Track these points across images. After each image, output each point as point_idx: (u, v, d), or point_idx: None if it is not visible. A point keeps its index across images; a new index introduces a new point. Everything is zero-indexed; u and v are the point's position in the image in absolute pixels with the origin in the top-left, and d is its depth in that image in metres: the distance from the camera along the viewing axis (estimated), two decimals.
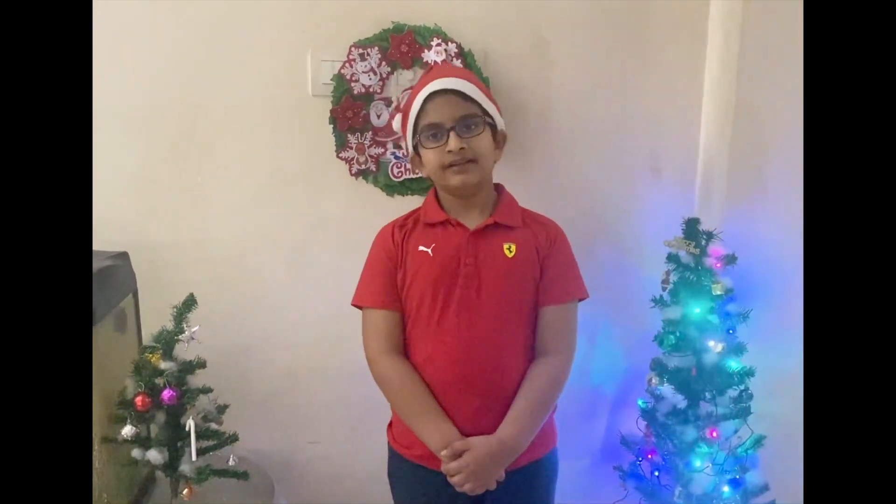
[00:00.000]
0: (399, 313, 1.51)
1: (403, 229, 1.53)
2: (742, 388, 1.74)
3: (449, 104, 1.44)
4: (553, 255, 1.52)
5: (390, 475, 1.61)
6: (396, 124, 1.63)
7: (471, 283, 1.45)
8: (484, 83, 1.67)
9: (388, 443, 1.59)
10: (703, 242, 1.73)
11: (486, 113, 1.48)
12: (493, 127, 1.50)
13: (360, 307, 1.55)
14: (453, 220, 1.50)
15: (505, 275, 1.47)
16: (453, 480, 1.39)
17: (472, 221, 1.50)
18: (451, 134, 1.43)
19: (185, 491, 1.47)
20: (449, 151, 1.42)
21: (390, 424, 1.61)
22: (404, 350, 1.52)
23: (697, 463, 1.71)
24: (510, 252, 1.48)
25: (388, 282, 1.51)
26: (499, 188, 1.59)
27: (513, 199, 1.58)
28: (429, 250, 1.48)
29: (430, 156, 1.46)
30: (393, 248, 1.51)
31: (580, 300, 1.55)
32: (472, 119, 1.45)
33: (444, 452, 1.39)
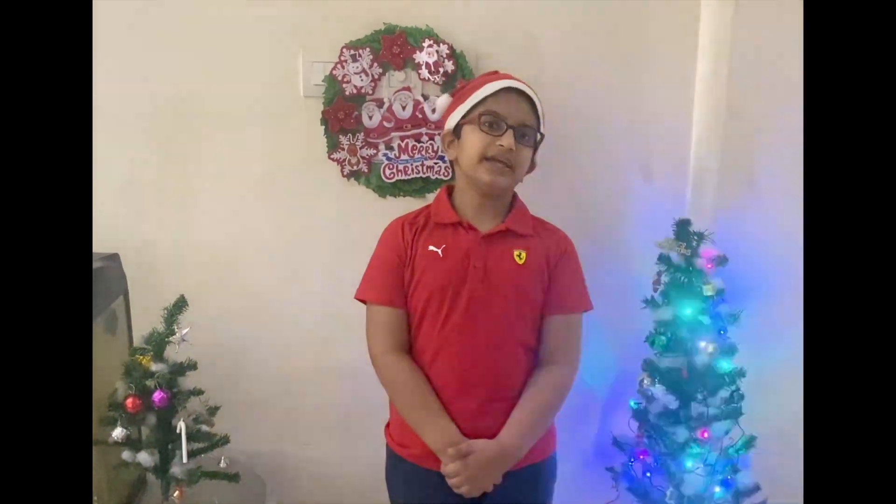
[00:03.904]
0: (404, 311, 1.50)
1: (414, 227, 1.52)
2: (733, 388, 1.74)
3: (520, 106, 1.45)
4: (562, 265, 1.52)
5: (388, 476, 1.60)
6: (444, 100, 1.56)
7: (479, 287, 1.45)
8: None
9: (387, 443, 1.59)
10: (695, 243, 1.73)
11: (539, 133, 1.50)
12: (534, 150, 1.51)
13: (364, 302, 1.54)
14: (465, 223, 1.49)
15: (514, 280, 1.47)
16: (451, 482, 1.40)
17: (485, 225, 1.49)
18: (510, 132, 1.43)
19: (176, 493, 1.46)
20: (500, 145, 1.42)
21: (388, 425, 1.60)
22: (409, 348, 1.51)
23: (689, 464, 1.71)
24: (520, 259, 1.48)
25: (395, 278, 1.50)
26: (512, 195, 1.58)
27: (525, 207, 1.57)
28: (438, 251, 1.47)
29: (477, 140, 1.44)
30: (402, 245, 1.50)
31: (585, 311, 1.56)
32: (530, 130, 1.46)
33: (450, 451, 1.39)
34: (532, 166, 1.54)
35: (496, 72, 1.59)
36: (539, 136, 1.50)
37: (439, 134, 1.65)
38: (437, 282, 1.46)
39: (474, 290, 1.45)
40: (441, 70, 1.76)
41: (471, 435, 1.43)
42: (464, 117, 1.48)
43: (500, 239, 1.48)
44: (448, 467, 1.40)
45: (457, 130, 1.50)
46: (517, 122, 1.44)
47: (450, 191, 1.56)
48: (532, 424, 1.45)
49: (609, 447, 1.92)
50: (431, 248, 1.48)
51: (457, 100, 1.52)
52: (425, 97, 1.79)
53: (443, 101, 1.58)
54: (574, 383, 1.54)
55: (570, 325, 1.53)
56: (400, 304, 1.49)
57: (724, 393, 1.73)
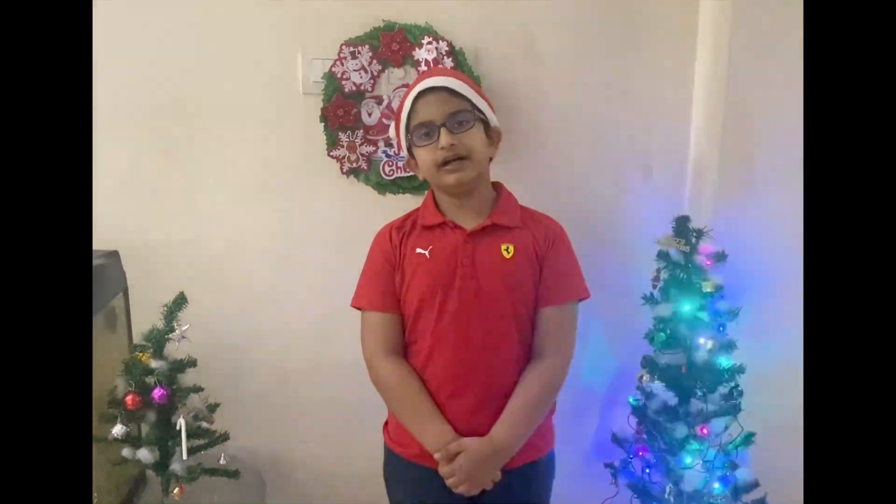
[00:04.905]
0: (398, 315, 1.51)
1: (401, 231, 1.53)
2: (732, 385, 1.74)
3: (438, 101, 1.44)
4: (552, 254, 1.51)
5: (386, 475, 1.61)
6: (392, 131, 1.62)
7: (468, 285, 1.45)
8: (475, 81, 1.67)
9: (385, 443, 1.59)
10: (694, 240, 1.74)
11: (476, 108, 1.48)
12: (485, 123, 1.50)
13: (359, 309, 1.55)
14: (450, 222, 1.49)
15: (502, 276, 1.46)
16: (449, 482, 1.41)
17: (470, 223, 1.49)
18: (442, 130, 1.42)
19: (176, 490, 1.47)
20: (441, 148, 1.42)
21: (386, 424, 1.61)
22: (403, 351, 1.52)
23: (688, 460, 1.72)
24: (508, 253, 1.47)
25: (387, 284, 1.51)
26: (498, 187, 1.58)
27: (512, 198, 1.57)
28: (426, 252, 1.48)
29: (424, 155, 1.46)
30: (391, 250, 1.51)
31: (581, 300, 1.55)
32: (462, 115, 1.45)
33: (437, 455, 1.40)
34: (496, 135, 1.54)
35: (421, 73, 1.62)
36: (479, 111, 1.48)
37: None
38: (426, 283, 1.46)
39: (464, 289, 1.45)
40: (440, 67, 1.76)
41: (468, 433, 1.43)
42: (407, 140, 1.50)
43: (486, 235, 1.48)
44: (443, 469, 1.41)
45: (411, 152, 1.52)
46: (445, 117, 1.43)
47: (434, 193, 1.56)
48: (524, 420, 1.45)
49: (608, 443, 1.93)
50: (419, 250, 1.49)
51: (396, 125, 1.54)
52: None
53: (391, 131, 1.64)
54: (573, 380, 1.54)
55: (561, 317, 1.51)
56: (393, 309, 1.50)
57: (723, 389, 1.74)
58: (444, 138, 1.42)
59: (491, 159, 1.54)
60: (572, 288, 1.53)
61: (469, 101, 1.47)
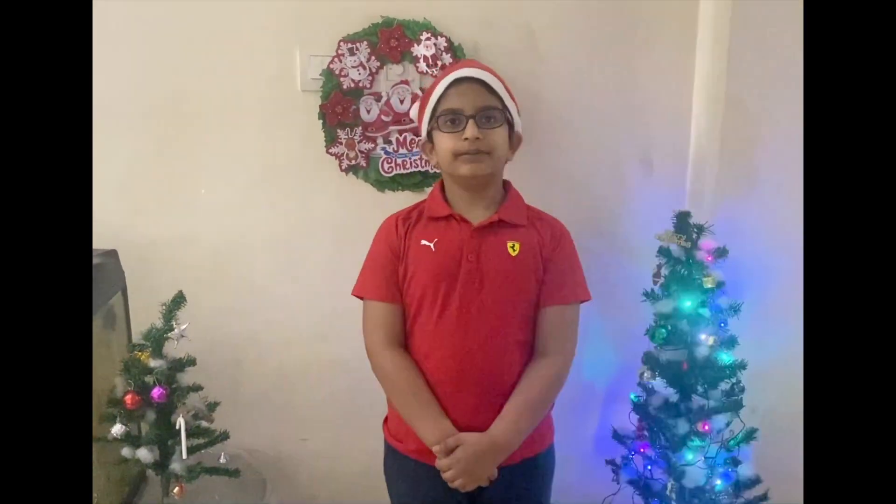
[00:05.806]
0: (400, 306, 1.50)
1: (407, 222, 1.52)
2: (734, 381, 1.74)
3: (472, 92, 1.44)
4: (557, 255, 1.51)
5: (386, 470, 1.61)
6: (414, 111, 1.61)
7: (472, 280, 1.44)
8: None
9: (385, 438, 1.59)
10: (694, 236, 1.73)
11: (506, 108, 1.48)
12: (510, 125, 1.50)
13: (361, 298, 1.54)
14: (457, 216, 1.49)
15: (507, 273, 1.46)
16: (445, 476, 1.40)
17: (477, 217, 1.49)
18: (470, 122, 1.42)
19: (176, 489, 1.47)
20: (465, 139, 1.41)
21: (386, 419, 1.60)
22: (405, 343, 1.51)
23: (690, 456, 1.71)
24: (514, 250, 1.47)
25: (390, 274, 1.50)
26: (506, 185, 1.58)
27: (519, 197, 1.57)
28: (431, 245, 1.47)
29: (445, 141, 1.45)
30: (396, 240, 1.51)
31: (582, 301, 1.55)
32: (492, 111, 1.45)
33: (436, 448, 1.40)
34: (517, 140, 1.54)
35: (458, 60, 1.62)
36: (508, 112, 1.48)
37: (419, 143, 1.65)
38: (429, 276, 1.46)
39: (467, 284, 1.44)
40: (439, 63, 1.76)
41: (470, 430, 1.42)
42: (430, 123, 1.49)
43: (492, 231, 1.48)
44: (440, 462, 1.40)
45: (430, 137, 1.51)
46: (476, 109, 1.43)
47: (443, 185, 1.56)
48: (524, 416, 1.44)
49: (609, 440, 1.92)
50: (424, 242, 1.48)
51: (422, 107, 1.53)
52: (423, 91, 1.78)
53: (413, 111, 1.62)
54: (574, 377, 1.54)
55: (563, 317, 1.51)
56: (395, 300, 1.50)
57: (724, 385, 1.73)
58: (471, 130, 1.41)
59: (507, 162, 1.53)
60: (575, 289, 1.53)
61: (501, 100, 1.47)
